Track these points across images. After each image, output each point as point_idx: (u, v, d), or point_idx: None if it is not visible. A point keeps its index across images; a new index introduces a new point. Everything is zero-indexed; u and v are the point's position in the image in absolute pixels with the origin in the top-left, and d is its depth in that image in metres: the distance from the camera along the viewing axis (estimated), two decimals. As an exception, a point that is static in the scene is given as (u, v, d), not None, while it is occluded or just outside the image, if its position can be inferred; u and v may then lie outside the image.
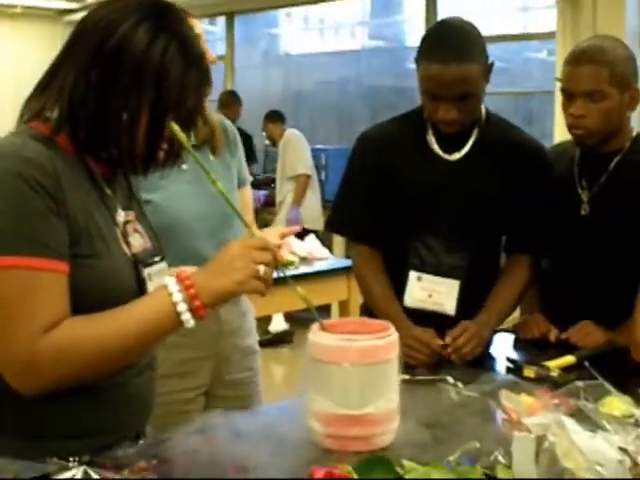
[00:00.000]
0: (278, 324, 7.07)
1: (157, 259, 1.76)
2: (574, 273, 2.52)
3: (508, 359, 2.33)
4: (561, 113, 2.51)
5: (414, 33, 9.27)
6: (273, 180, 8.19)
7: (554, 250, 2.53)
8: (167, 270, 1.77)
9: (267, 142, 8.61)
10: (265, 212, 8.29)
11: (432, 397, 1.95)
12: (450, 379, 2.08)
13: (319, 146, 8.45)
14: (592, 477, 1.40)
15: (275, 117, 8.14)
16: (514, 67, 8.49)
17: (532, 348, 2.46)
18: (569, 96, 2.41)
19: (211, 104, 7.89)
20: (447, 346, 2.32)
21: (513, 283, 2.49)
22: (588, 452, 1.44)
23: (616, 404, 1.74)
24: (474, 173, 2.45)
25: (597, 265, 2.47)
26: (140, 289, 1.67)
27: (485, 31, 2.38)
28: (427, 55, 2.33)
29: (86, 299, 1.56)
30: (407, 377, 2.02)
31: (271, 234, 2.25)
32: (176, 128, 1.64)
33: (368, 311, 2.49)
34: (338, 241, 7.14)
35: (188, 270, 1.62)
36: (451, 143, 2.46)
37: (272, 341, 6.83)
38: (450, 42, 2.31)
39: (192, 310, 1.57)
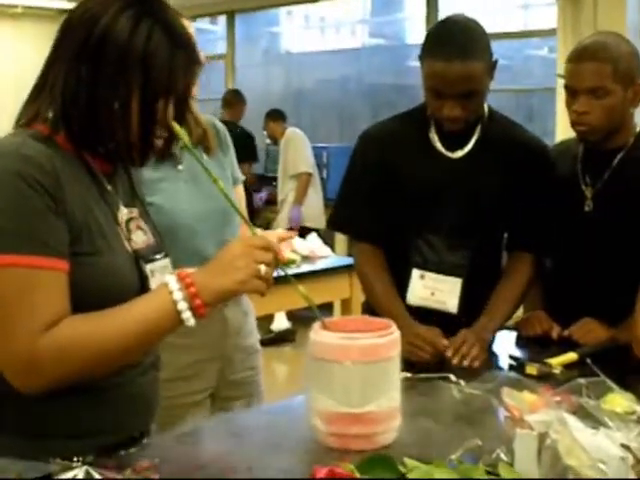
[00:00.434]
0: (280, 323, 7.07)
1: (160, 255, 1.76)
2: (577, 270, 2.52)
3: (510, 356, 2.33)
4: (562, 110, 2.51)
5: (415, 31, 9.26)
6: (275, 178, 8.19)
7: (557, 247, 2.53)
8: (170, 267, 1.77)
9: (268, 141, 8.60)
10: (267, 211, 8.29)
11: (434, 395, 1.95)
12: (452, 377, 2.08)
13: (320, 144, 8.45)
14: (594, 474, 1.40)
15: (276, 116, 8.14)
16: (515, 64, 8.48)
17: (534, 345, 2.46)
18: (572, 93, 2.41)
19: (215, 103, 7.89)
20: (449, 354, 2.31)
21: (515, 282, 2.48)
22: (590, 449, 1.43)
23: (618, 401, 1.74)
24: (477, 171, 2.45)
25: (600, 262, 2.47)
26: (142, 286, 1.67)
27: (486, 28, 2.38)
28: (431, 52, 2.33)
29: (87, 297, 1.56)
30: (409, 375, 2.02)
31: (269, 237, 2.26)
32: (177, 127, 1.65)
33: (370, 309, 2.48)
34: (340, 239, 7.14)
35: (189, 269, 1.61)
36: (454, 141, 2.46)
37: (274, 340, 6.84)
38: (454, 39, 2.30)
39: (193, 309, 1.56)
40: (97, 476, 1.43)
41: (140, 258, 1.69)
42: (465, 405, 1.90)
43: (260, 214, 8.09)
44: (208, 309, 1.58)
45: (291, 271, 1.72)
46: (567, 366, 2.19)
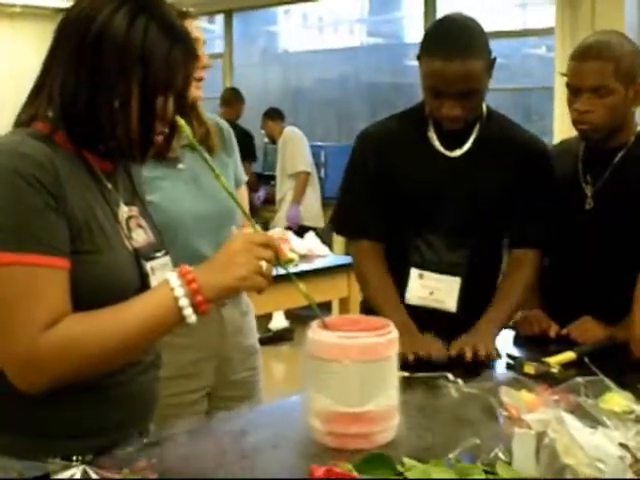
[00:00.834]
0: (279, 322, 7.08)
1: (160, 253, 1.76)
2: (577, 268, 2.52)
3: (508, 355, 2.33)
4: (560, 109, 2.52)
5: (413, 30, 9.26)
6: (273, 178, 8.19)
7: (557, 246, 2.53)
8: (170, 264, 1.77)
9: (266, 140, 8.60)
10: (265, 210, 8.28)
11: (432, 394, 1.95)
12: (450, 376, 2.08)
13: (318, 143, 8.45)
14: (593, 473, 1.40)
15: (274, 115, 8.14)
16: (513, 63, 8.47)
17: (532, 344, 2.46)
18: (574, 91, 2.41)
19: (213, 102, 7.88)
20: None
21: (518, 280, 2.47)
22: (588, 448, 1.43)
23: (616, 400, 1.74)
24: (475, 170, 2.45)
25: (600, 260, 2.47)
26: (143, 284, 1.67)
27: (483, 27, 2.38)
28: (430, 51, 2.32)
29: (88, 295, 1.56)
30: (407, 374, 2.02)
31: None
32: (182, 122, 1.65)
33: (368, 308, 2.48)
34: (338, 238, 7.13)
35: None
36: (452, 140, 2.46)
37: (272, 339, 6.84)
38: (453, 38, 2.30)
39: (194, 305, 1.56)
40: (94, 476, 1.43)
41: (140, 256, 1.69)
42: (463, 404, 1.90)
43: (258, 213, 8.08)
44: (210, 306, 1.58)
45: (289, 270, 1.71)
46: (565, 365, 2.19)
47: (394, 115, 2.61)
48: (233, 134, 2.64)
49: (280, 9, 10.65)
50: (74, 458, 1.50)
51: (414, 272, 2.45)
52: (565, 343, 2.38)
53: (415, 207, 2.46)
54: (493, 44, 2.37)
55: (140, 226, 1.74)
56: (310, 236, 5.42)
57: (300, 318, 6.17)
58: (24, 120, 1.63)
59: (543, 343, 2.44)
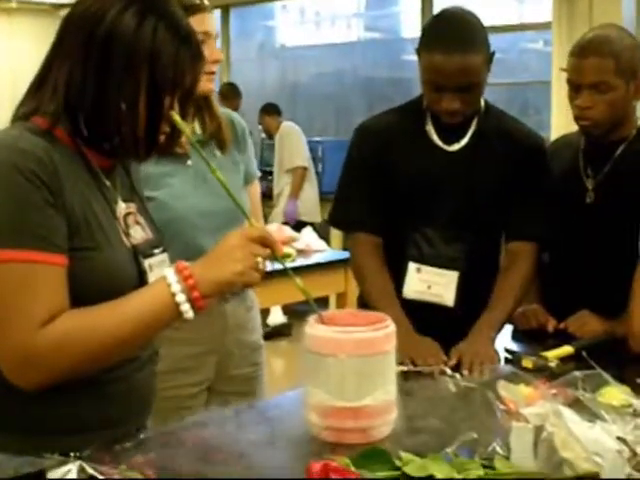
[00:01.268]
0: (276, 317, 7.07)
1: (158, 250, 1.75)
2: (577, 262, 2.52)
3: (506, 350, 2.33)
4: (558, 104, 2.52)
5: (410, 25, 9.26)
6: (270, 173, 8.19)
7: (557, 239, 2.52)
8: (168, 262, 1.76)
9: (263, 135, 8.60)
10: (262, 205, 8.25)
11: (430, 388, 1.95)
12: (448, 370, 2.08)
13: (316, 138, 8.45)
14: (591, 467, 1.40)
15: (271, 110, 8.13)
16: (510, 58, 8.47)
17: (530, 339, 2.46)
18: (575, 87, 2.40)
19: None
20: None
21: (517, 275, 2.45)
22: (586, 442, 1.43)
23: (614, 394, 1.74)
24: (473, 164, 2.44)
25: (600, 253, 2.47)
26: (141, 280, 1.66)
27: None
28: (430, 46, 2.32)
29: (86, 291, 1.55)
30: (405, 369, 2.02)
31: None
32: (177, 118, 1.64)
33: (365, 303, 2.47)
34: (335, 233, 7.14)
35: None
36: (450, 134, 2.45)
37: (270, 334, 6.83)
38: (453, 32, 2.30)
39: (191, 301, 1.56)
40: (91, 471, 1.42)
41: (138, 253, 1.69)
42: (461, 398, 1.90)
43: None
44: (207, 301, 1.58)
45: (287, 265, 1.71)
46: (563, 359, 2.19)
47: (392, 109, 2.61)
48: (247, 130, 2.63)
49: (277, 4, 10.65)
50: (72, 454, 1.50)
51: (412, 266, 2.45)
52: (563, 337, 2.37)
53: (413, 201, 2.46)
54: (490, 38, 2.37)
55: (138, 223, 1.74)
56: (307, 231, 5.42)
57: (298, 313, 6.17)
58: (24, 113, 1.62)
59: (541, 337, 2.44)
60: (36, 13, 10.36)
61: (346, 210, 2.58)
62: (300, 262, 4.86)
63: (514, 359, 2.23)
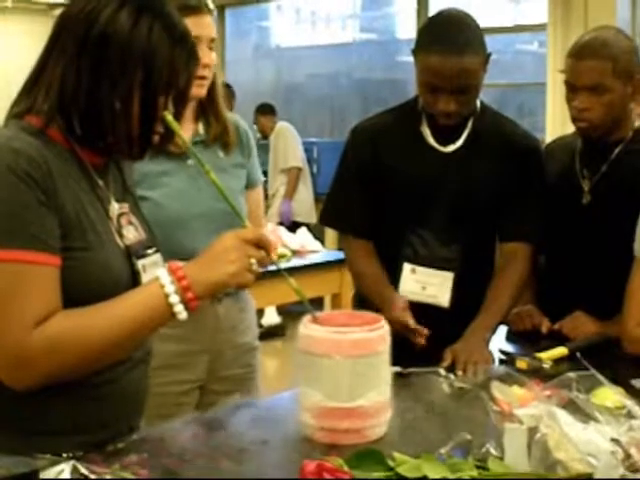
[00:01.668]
0: (270, 317, 7.07)
1: (151, 251, 1.75)
2: (573, 263, 2.52)
3: (500, 351, 2.33)
4: (553, 105, 2.52)
5: (405, 26, 9.26)
6: (265, 173, 8.19)
7: (554, 239, 2.52)
8: (161, 262, 1.76)
9: (258, 135, 8.59)
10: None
11: (424, 389, 1.95)
12: (442, 371, 2.08)
13: (310, 139, 8.45)
14: (584, 468, 1.40)
15: (266, 110, 8.13)
16: (505, 59, 8.48)
17: (524, 340, 2.46)
18: (572, 89, 2.40)
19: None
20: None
21: (511, 276, 2.45)
22: (580, 443, 1.44)
23: (608, 395, 1.74)
24: (468, 165, 2.44)
25: (596, 254, 2.47)
26: (134, 281, 1.66)
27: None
28: (426, 47, 2.32)
29: (79, 291, 1.55)
30: (399, 369, 2.02)
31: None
32: (170, 118, 1.64)
33: (360, 303, 2.48)
34: (330, 234, 7.14)
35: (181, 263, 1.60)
36: (445, 135, 2.45)
37: (264, 334, 6.80)
38: (450, 34, 2.30)
39: (184, 302, 1.56)
40: (84, 471, 1.42)
41: (132, 253, 1.68)
42: (455, 399, 1.90)
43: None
44: (200, 302, 1.58)
45: (281, 266, 1.71)
46: (557, 360, 2.20)
47: (387, 110, 2.61)
48: (252, 136, 2.62)
49: (272, 4, 10.64)
50: (64, 455, 1.49)
51: (407, 267, 2.45)
52: (557, 338, 2.38)
53: (408, 202, 2.46)
54: (485, 40, 2.37)
55: (131, 223, 1.73)
56: (302, 232, 5.42)
57: (292, 314, 6.17)
58: (18, 112, 1.62)
59: (535, 338, 2.44)
60: (31, 12, 10.34)
61: (338, 209, 2.59)
62: (295, 262, 4.86)
63: (508, 360, 2.23)
